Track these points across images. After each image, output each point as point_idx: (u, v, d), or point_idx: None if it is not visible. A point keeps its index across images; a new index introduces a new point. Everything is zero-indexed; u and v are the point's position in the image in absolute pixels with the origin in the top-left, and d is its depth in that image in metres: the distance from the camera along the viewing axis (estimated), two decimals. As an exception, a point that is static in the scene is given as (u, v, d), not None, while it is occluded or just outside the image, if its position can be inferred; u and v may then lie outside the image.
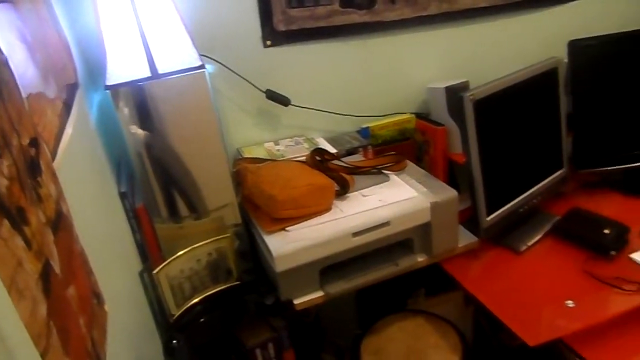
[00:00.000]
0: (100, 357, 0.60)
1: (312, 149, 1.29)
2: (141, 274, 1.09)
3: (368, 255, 1.18)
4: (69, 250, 0.58)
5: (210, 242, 1.20)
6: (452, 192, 1.20)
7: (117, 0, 1.02)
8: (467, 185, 1.25)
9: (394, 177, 1.27)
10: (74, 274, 0.58)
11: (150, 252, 1.17)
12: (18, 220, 0.44)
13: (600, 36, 1.41)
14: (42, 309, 0.45)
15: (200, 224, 1.22)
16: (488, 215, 1.25)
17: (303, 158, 1.28)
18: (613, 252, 1.23)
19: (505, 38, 1.59)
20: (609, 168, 1.49)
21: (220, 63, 1.29)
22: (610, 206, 1.44)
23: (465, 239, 1.29)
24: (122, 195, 1.08)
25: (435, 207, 1.17)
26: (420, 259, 1.24)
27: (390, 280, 1.21)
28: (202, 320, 1.18)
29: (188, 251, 1.18)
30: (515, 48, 1.61)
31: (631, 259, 1.23)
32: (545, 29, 1.62)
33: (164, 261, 1.12)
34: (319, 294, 1.16)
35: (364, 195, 1.20)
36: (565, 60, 1.42)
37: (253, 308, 1.25)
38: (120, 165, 1.18)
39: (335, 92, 1.46)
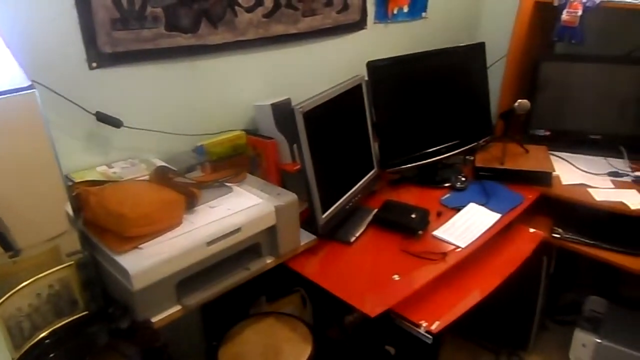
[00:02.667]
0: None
1: (153, 168, 1.30)
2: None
3: (220, 264, 1.23)
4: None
5: (50, 273, 1.12)
6: (292, 196, 1.33)
7: None
8: (298, 190, 1.39)
9: (236, 188, 1.36)
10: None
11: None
12: None
13: (392, 57, 1.72)
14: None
15: (34, 257, 1.13)
16: (323, 213, 1.42)
17: (146, 177, 1.28)
18: (420, 232, 1.51)
19: (316, 60, 1.81)
20: (407, 166, 1.80)
21: (45, 86, 1.22)
22: (412, 196, 1.75)
23: (305, 238, 1.44)
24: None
25: (279, 211, 1.28)
26: (269, 260, 1.34)
27: (233, 291, 1.27)
28: (50, 357, 1.08)
29: (24, 286, 1.08)
30: (324, 68, 1.84)
31: (434, 236, 1.52)
32: (348, 51, 1.88)
33: (-3, 301, 1.02)
34: (176, 308, 1.17)
35: (211, 207, 1.25)
36: (366, 77, 1.69)
37: (105, 337, 1.19)
38: None
39: (168, 113, 1.49)
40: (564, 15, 1.82)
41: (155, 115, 1.46)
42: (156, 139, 1.47)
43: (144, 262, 1.07)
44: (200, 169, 1.47)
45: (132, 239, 1.11)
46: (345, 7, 1.78)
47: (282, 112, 1.50)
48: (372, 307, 1.23)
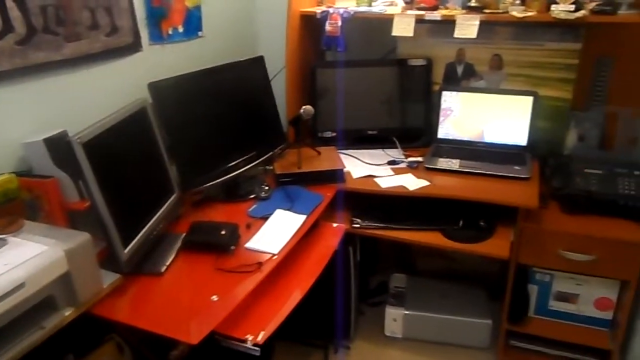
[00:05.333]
0: None
1: None
2: None
3: (7, 328, 1.04)
4: None
5: None
6: (84, 236, 1.19)
7: None
8: (92, 229, 1.26)
9: (12, 239, 1.16)
10: None
11: None
12: None
13: (174, 77, 1.68)
14: None
15: None
16: (125, 248, 1.31)
17: None
18: (232, 247, 1.50)
19: (93, 87, 1.65)
20: (208, 185, 1.76)
21: None
22: (219, 214, 1.73)
23: (108, 278, 1.30)
24: None
25: (70, 255, 1.14)
26: (68, 312, 1.17)
27: (31, 355, 1.10)
28: None
29: None
30: (103, 95, 1.69)
31: (247, 248, 1.53)
32: (127, 75, 1.75)
33: None
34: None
35: (-18, 267, 1.05)
36: (151, 100, 1.62)
37: None
38: None
39: None
40: (327, 26, 2.01)
41: None
42: None
43: None
44: (-39, 226, 1.22)
45: None
46: (114, 29, 1.67)
47: (59, 146, 1.34)
48: (194, 334, 1.18)
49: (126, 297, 1.33)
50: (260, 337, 1.29)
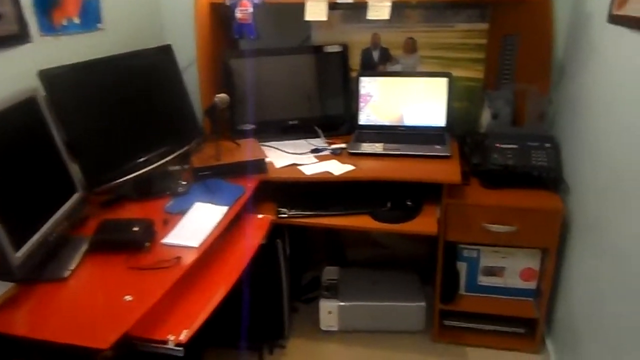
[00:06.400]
0: None
1: None
2: None
3: None
4: None
5: None
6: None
7: None
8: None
9: None
10: None
11: None
12: None
13: (70, 64, 1.52)
14: None
15: None
16: (17, 251, 1.14)
17: None
18: (147, 244, 1.37)
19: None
20: (116, 182, 1.61)
21: None
22: (133, 212, 1.59)
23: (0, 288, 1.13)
24: None
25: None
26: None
27: None
28: None
29: None
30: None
31: (164, 244, 1.40)
32: (16, 68, 1.57)
33: None
34: None
35: None
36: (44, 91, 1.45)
37: None
38: None
39: None
40: (237, 14, 1.93)
41: None
42: None
43: None
44: None
45: None
46: (-5, 15, 1.49)
47: None
48: (104, 339, 1.04)
49: (24, 308, 1.16)
50: (183, 336, 1.17)
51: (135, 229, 1.37)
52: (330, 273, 2.29)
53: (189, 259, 1.33)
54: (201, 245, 1.39)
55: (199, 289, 1.36)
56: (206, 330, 1.94)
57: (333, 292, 2.17)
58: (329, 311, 2.12)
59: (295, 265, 2.20)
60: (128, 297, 1.17)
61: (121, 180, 1.60)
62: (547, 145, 1.91)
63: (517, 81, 2.10)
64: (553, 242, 1.81)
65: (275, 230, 1.94)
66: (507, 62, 2.08)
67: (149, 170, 1.68)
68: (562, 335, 1.84)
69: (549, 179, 1.87)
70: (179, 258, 1.32)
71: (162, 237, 1.42)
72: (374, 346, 2.08)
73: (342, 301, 2.12)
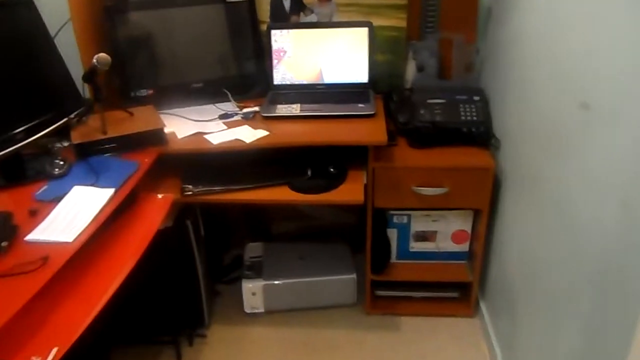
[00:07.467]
0: None
1: None
2: None
3: None
4: None
5: None
6: None
7: None
8: None
9: None
10: None
11: None
12: None
13: None
14: None
15: None
16: None
17: None
18: (4, 243, 1.09)
19: None
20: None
21: None
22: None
23: None
24: None
25: None
26: None
27: None
28: None
29: None
30: None
31: (28, 241, 1.13)
32: None
33: None
34: None
35: None
36: None
37: None
38: None
39: None
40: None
41: None
42: None
43: None
44: None
45: None
46: None
47: None
48: None
49: None
50: (52, 357, 0.93)
51: (-13, 225, 1.09)
52: (253, 250, 2.10)
53: (60, 258, 1.07)
54: (77, 239, 1.13)
55: (78, 293, 1.11)
56: (112, 329, 1.72)
57: (256, 270, 1.98)
58: (253, 292, 1.93)
59: (213, 245, 1.99)
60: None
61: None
62: (476, 98, 1.78)
63: (442, 29, 1.93)
64: (485, 202, 1.71)
65: (185, 210, 1.71)
66: (431, 9, 1.91)
67: (14, 150, 1.37)
68: (497, 297, 1.76)
69: (479, 134, 1.74)
70: (46, 258, 1.06)
71: (27, 233, 1.14)
72: (304, 325, 1.93)
73: (267, 280, 1.94)
